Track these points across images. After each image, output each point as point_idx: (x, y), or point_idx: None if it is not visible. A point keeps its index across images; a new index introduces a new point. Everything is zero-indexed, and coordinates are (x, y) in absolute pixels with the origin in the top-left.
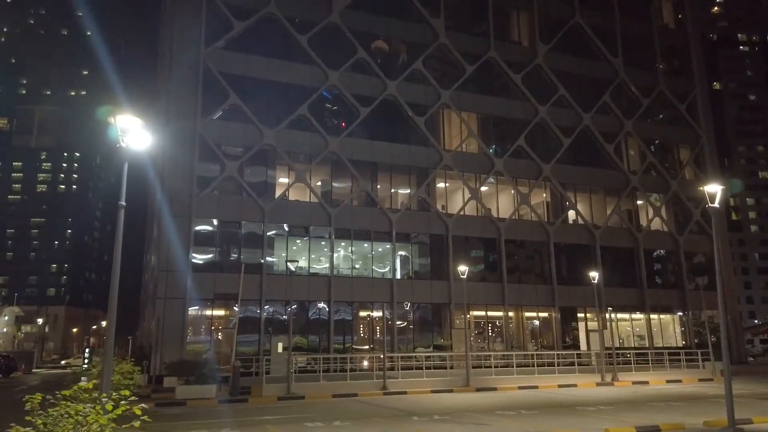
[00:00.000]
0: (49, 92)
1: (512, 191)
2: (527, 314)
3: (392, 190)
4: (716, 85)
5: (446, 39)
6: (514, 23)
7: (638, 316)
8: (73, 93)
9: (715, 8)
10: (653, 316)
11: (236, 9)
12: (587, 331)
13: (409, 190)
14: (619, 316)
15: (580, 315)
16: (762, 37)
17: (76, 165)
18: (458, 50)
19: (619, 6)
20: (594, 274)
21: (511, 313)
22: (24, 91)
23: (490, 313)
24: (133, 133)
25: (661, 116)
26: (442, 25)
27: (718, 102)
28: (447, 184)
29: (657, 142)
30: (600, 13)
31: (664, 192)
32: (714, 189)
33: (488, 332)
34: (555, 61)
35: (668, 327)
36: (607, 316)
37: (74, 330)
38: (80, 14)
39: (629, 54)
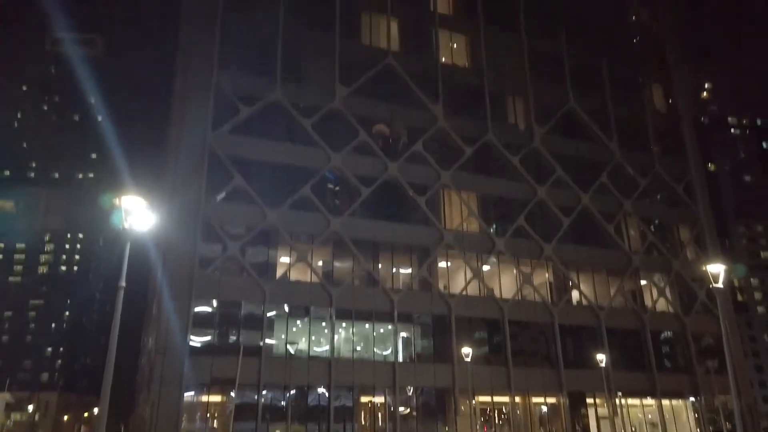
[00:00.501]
0: (57, 175)
1: (514, 271)
2: (534, 400)
3: (394, 270)
4: (711, 167)
5: (445, 123)
6: (511, 108)
7: (649, 401)
8: (80, 175)
9: (704, 93)
10: (665, 402)
11: (243, 95)
12: (597, 419)
13: (410, 270)
14: (630, 401)
15: (590, 400)
16: (752, 120)
17: (79, 246)
18: (457, 133)
19: (612, 92)
20: (601, 357)
21: (517, 399)
22: (32, 174)
23: (496, 399)
24: (137, 213)
25: (658, 196)
26: (441, 110)
27: (715, 182)
28: (449, 264)
29: (656, 221)
30: (593, 98)
31: (666, 272)
32: (717, 269)
33: (495, 419)
34: (552, 143)
35: (681, 414)
36: (617, 401)
37: (66, 417)
38: (92, 101)
39: (624, 136)
